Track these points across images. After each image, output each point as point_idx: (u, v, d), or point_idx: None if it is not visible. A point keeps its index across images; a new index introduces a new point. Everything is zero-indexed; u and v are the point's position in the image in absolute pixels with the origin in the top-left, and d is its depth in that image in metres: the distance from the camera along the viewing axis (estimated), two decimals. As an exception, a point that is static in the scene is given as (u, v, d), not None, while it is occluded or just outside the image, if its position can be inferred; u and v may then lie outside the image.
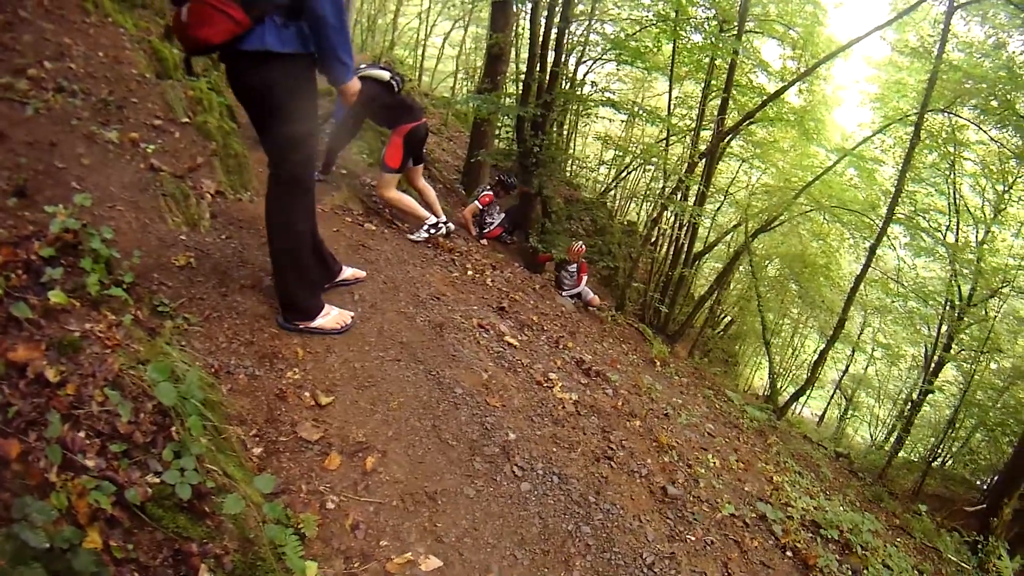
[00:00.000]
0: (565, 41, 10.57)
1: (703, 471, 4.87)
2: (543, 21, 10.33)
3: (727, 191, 20.32)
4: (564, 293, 9.57)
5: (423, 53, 26.82)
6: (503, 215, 10.04)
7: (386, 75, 6.42)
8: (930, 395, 15.51)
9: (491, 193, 9.48)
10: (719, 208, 20.52)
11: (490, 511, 3.19)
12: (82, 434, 2.07)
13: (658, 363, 8.50)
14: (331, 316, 3.84)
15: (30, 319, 2.40)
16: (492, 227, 9.77)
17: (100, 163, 4.29)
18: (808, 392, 15.22)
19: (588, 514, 3.54)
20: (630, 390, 5.83)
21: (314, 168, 3.68)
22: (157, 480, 2.10)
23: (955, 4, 12.05)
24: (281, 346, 3.52)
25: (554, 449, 3.90)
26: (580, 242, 10.12)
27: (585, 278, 9.99)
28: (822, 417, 26.68)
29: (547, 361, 5.20)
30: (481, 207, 9.51)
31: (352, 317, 3.98)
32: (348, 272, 4.49)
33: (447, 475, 3.24)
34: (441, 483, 3.17)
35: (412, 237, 6.53)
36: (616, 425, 4.75)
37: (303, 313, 3.69)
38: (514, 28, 12.34)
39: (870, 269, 14.41)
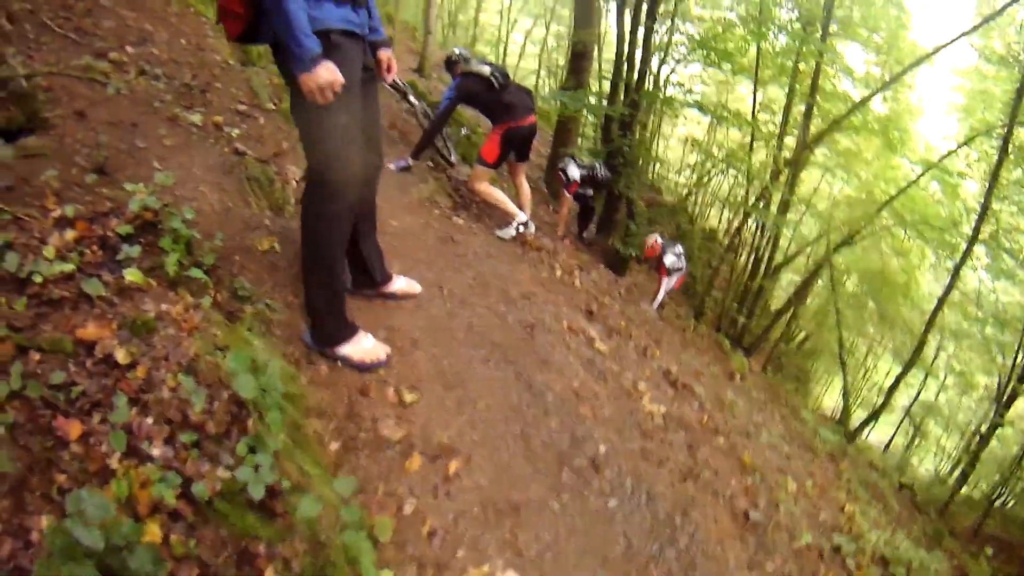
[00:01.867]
0: (651, 41, 10.32)
1: (783, 496, 4.62)
2: (629, 19, 10.13)
3: (809, 201, 19.83)
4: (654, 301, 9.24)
5: (505, 50, 26.92)
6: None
7: (487, 70, 6.31)
8: (999, 429, 14.74)
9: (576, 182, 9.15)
10: (801, 219, 20.00)
11: (574, 527, 2.97)
12: (150, 420, 1.95)
13: (737, 377, 8.23)
14: (362, 347, 3.28)
15: (102, 297, 2.30)
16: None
17: (183, 144, 4.23)
18: (879, 414, 14.68)
19: (673, 536, 3.30)
20: (714, 404, 5.59)
21: (348, 170, 3.06)
22: (228, 475, 1.95)
23: (1046, 7, 11.41)
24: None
25: (643, 465, 3.66)
26: (655, 236, 9.36)
27: (667, 280, 9.18)
28: (888, 444, 25.88)
29: (636, 370, 4.96)
30: (571, 195, 9.19)
31: (388, 354, 3.36)
32: (398, 285, 3.96)
33: (533, 485, 3.03)
34: (526, 493, 2.96)
35: (499, 234, 6.38)
36: (702, 441, 4.51)
37: (327, 337, 3.23)
38: (598, 26, 12.15)
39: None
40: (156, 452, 1.87)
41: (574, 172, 8.87)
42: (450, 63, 7.03)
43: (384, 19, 19.33)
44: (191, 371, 2.14)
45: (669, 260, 8.97)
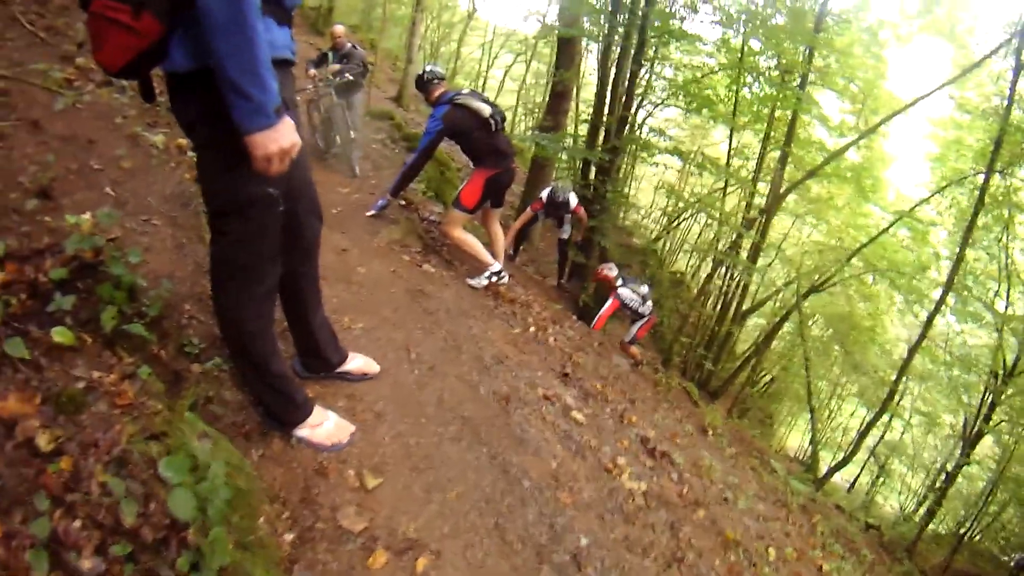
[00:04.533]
0: (635, 85, 10.31)
1: (766, 570, 4.46)
2: (613, 63, 10.10)
3: (779, 247, 20.01)
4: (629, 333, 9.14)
5: (484, 84, 27.03)
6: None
7: (487, 110, 5.88)
8: (965, 467, 15.03)
9: (540, 200, 9.10)
10: (770, 264, 20.17)
11: (557, 631, 2.75)
12: (78, 524, 1.67)
13: (710, 432, 8.12)
14: (322, 429, 2.88)
15: (27, 360, 2.00)
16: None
17: (141, 168, 3.98)
18: (846, 462, 14.78)
19: (662, 636, 3.13)
20: (692, 471, 5.40)
21: (267, 249, 2.45)
22: (170, 595, 1.68)
23: (1022, 62, 11.63)
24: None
25: (627, 555, 3.41)
26: (608, 265, 9.22)
27: (610, 304, 8.77)
28: (853, 483, 26.15)
29: (614, 442, 4.69)
30: (532, 212, 9.17)
31: (352, 433, 3.01)
32: (355, 364, 3.46)
33: (509, 586, 2.76)
34: (502, 596, 2.69)
35: (471, 282, 6.09)
36: (684, 518, 4.31)
37: (276, 421, 2.83)
38: (579, 67, 12.14)
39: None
40: (86, 565, 1.62)
41: (545, 191, 9.00)
42: (423, 82, 6.25)
43: (367, 46, 19.36)
44: (123, 464, 1.88)
45: (624, 293, 8.76)
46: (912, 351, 13.53)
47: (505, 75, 28.12)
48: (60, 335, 2.15)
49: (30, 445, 1.76)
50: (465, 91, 6.13)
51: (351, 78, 8.37)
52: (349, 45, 8.86)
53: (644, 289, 9.01)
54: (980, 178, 12.64)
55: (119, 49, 1.90)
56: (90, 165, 3.60)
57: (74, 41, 4.79)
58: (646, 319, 9.05)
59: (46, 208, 2.92)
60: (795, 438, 31.48)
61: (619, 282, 8.87)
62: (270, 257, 2.47)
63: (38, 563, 1.53)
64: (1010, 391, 14.14)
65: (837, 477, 20.30)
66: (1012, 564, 15.29)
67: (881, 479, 23.82)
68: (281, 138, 1.98)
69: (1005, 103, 12.10)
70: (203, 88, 1.96)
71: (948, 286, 12.84)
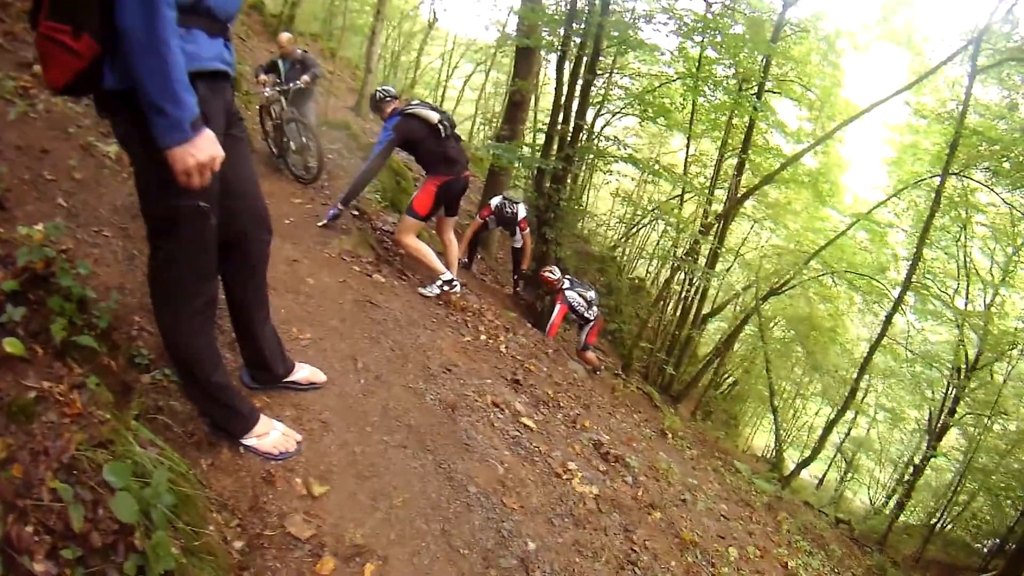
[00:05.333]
0: (590, 94, 10.37)
1: (725, 570, 4.49)
2: (568, 72, 10.16)
3: (737, 251, 20.22)
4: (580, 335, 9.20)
5: (443, 94, 27.05)
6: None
7: (435, 117, 6.03)
8: (932, 459, 15.31)
9: (489, 207, 9.17)
10: (729, 269, 20.37)
11: (506, 636, 2.77)
12: (30, 529, 1.71)
13: (670, 435, 8.15)
14: (268, 438, 2.91)
15: None
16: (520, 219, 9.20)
17: (93, 179, 3.99)
18: (812, 459, 14.94)
19: (614, 637, 3.14)
20: (648, 474, 5.43)
21: (201, 265, 2.46)
22: (117, 596, 1.70)
23: (977, 67, 11.91)
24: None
25: (576, 559, 3.44)
26: (550, 267, 9.34)
27: (558, 308, 8.88)
28: (822, 480, 26.49)
29: (565, 446, 4.72)
30: (482, 220, 9.19)
31: (299, 442, 3.03)
32: (302, 373, 3.47)
33: (457, 590, 2.78)
34: (450, 600, 2.70)
35: (423, 291, 6.09)
36: (638, 521, 4.33)
37: (222, 430, 2.84)
38: (537, 76, 12.19)
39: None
40: (38, 568, 1.65)
41: (495, 200, 9.03)
42: (376, 103, 6.54)
43: (327, 54, 19.27)
44: (71, 471, 1.91)
45: (571, 296, 8.85)
46: (872, 349, 13.76)
47: (464, 85, 28.20)
48: (11, 346, 2.18)
49: None
50: (415, 102, 6.25)
51: (301, 85, 8.33)
52: (300, 51, 8.82)
53: (590, 294, 9.11)
54: (936, 180, 12.88)
55: (61, 69, 1.95)
56: (43, 175, 3.60)
57: (33, 49, 4.76)
58: (592, 323, 9.15)
59: None
60: (761, 438, 31.75)
61: (565, 284, 8.96)
62: (204, 274, 2.48)
63: None
64: (973, 384, 14.53)
65: (805, 474, 20.60)
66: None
67: (849, 475, 24.09)
68: (199, 152, 2.00)
69: (960, 108, 12.37)
70: (131, 107, 1.99)
71: (906, 285, 13.11)
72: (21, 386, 2.10)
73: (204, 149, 2.02)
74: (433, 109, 6.15)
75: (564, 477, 4.22)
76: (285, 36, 9.00)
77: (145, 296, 3.12)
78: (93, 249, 3.42)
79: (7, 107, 4.02)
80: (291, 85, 8.27)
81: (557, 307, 8.73)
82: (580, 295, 8.92)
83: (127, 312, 3.16)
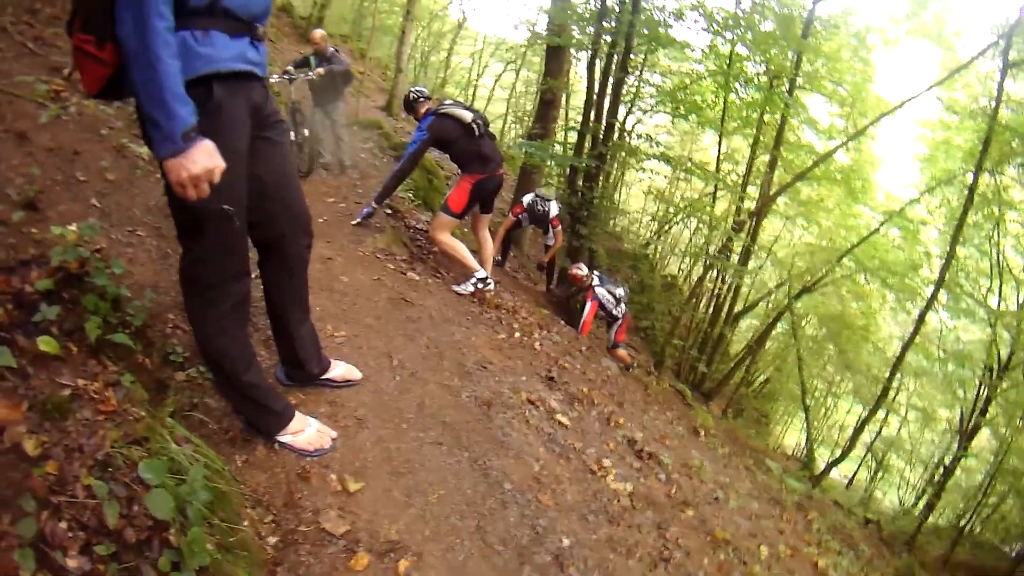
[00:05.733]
0: (621, 92, 10.37)
1: (757, 568, 4.46)
2: (599, 71, 10.16)
3: (770, 249, 20.06)
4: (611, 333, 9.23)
5: (474, 93, 27.06)
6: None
7: (468, 116, 6.07)
8: (963, 460, 15.11)
9: (521, 204, 9.22)
10: (761, 266, 20.24)
11: (538, 633, 2.74)
12: (63, 525, 1.72)
13: (702, 432, 8.14)
14: (304, 435, 2.93)
15: (14, 368, 2.05)
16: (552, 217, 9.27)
17: (126, 180, 4.04)
18: (843, 458, 14.81)
19: (647, 635, 3.15)
20: (681, 472, 5.42)
21: (226, 267, 2.50)
22: (152, 593, 1.72)
23: (1009, 61, 11.72)
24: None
25: (610, 556, 3.43)
26: (578, 264, 9.34)
27: (590, 305, 8.86)
28: (852, 479, 26.17)
29: (599, 444, 4.71)
30: (515, 218, 9.23)
31: (334, 439, 3.05)
32: (338, 371, 3.51)
33: (491, 587, 2.79)
34: (483, 597, 2.70)
35: (457, 289, 6.12)
36: (671, 519, 4.33)
37: (256, 428, 2.88)
38: (568, 75, 12.19)
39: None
40: (72, 564, 1.66)
41: (527, 198, 9.12)
42: (410, 103, 6.64)
43: (356, 55, 19.37)
44: (107, 468, 1.94)
45: (601, 293, 8.82)
46: (905, 348, 13.59)
47: (495, 84, 28.18)
48: (46, 344, 2.19)
49: (17, 450, 1.81)
50: (448, 102, 6.29)
51: (312, 76, 8.35)
52: (332, 50, 8.86)
53: (620, 292, 9.05)
54: (969, 177, 12.71)
55: (92, 76, 2.05)
56: (75, 177, 3.63)
57: (63, 52, 4.83)
58: (621, 320, 9.13)
59: (32, 220, 2.96)
60: (792, 437, 31.42)
61: (595, 280, 8.94)
62: (232, 276, 2.52)
63: (25, 562, 1.56)
64: (1005, 385, 14.29)
65: (835, 474, 20.41)
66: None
67: (879, 474, 23.84)
68: (192, 164, 1.99)
69: (993, 103, 12.20)
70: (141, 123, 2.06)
71: (939, 283, 12.92)
72: (56, 384, 2.12)
73: (198, 162, 2.00)
74: (466, 108, 6.19)
75: (598, 474, 4.22)
76: (318, 33, 9.04)
77: (179, 295, 3.16)
78: (127, 248, 3.47)
79: (39, 110, 4.08)
80: (299, 74, 8.29)
81: (588, 304, 8.70)
82: (609, 291, 8.89)
83: (161, 310, 3.20)
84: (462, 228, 7.41)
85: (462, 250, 6.24)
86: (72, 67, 2.41)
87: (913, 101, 11.61)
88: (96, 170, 3.84)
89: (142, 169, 4.23)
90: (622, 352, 9.15)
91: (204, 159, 2.01)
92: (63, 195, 3.38)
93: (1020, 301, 15.23)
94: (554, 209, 9.07)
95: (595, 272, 9.19)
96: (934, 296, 13.12)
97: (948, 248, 13.02)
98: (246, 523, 2.37)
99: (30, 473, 1.77)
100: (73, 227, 2.87)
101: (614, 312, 8.98)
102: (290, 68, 8.53)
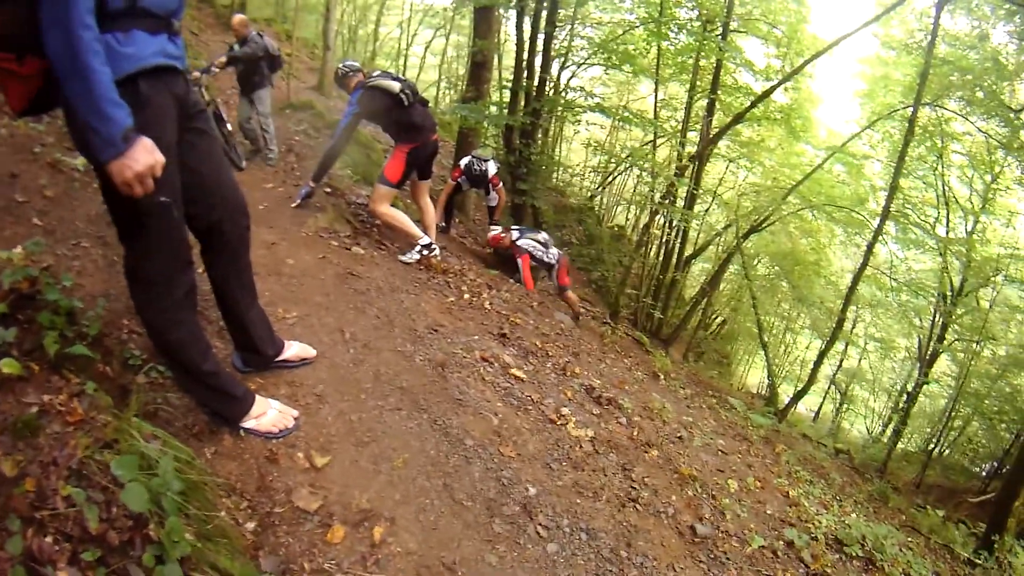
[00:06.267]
0: (552, 47, 10.31)
1: (726, 501, 4.55)
2: (528, 27, 10.09)
3: (715, 192, 20.25)
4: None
5: (405, 63, 26.81)
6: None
7: (396, 86, 6.06)
8: (925, 386, 15.51)
9: (459, 168, 9.14)
10: (707, 210, 20.42)
11: (516, 579, 2.82)
12: (49, 539, 1.76)
13: (662, 376, 8.20)
14: (266, 418, 2.97)
15: None
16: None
17: (64, 194, 4.06)
18: (806, 391, 15.11)
19: (621, 571, 3.16)
20: (642, 415, 5.50)
21: (170, 261, 2.50)
22: (141, 589, 1.77)
23: (944, -1, 11.87)
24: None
25: (578, 500, 3.53)
26: (496, 228, 9.20)
27: (521, 261, 8.76)
28: (818, 412, 26.79)
29: (557, 393, 4.82)
30: (454, 182, 9.14)
31: (296, 418, 3.11)
32: (292, 351, 3.54)
33: (465, 541, 2.87)
34: (459, 551, 2.80)
35: (403, 258, 6.12)
36: (635, 460, 4.40)
37: (219, 417, 2.90)
38: (498, 35, 12.09)
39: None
40: (62, 575, 1.70)
41: (464, 160, 9.06)
42: (340, 78, 6.62)
43: (282, 37, 19.02)
44: (81, 476, 1.98)
45: (526, 244, 8.77)
46: (856, 279, 13.79)
47: (426, 51, 27.96)
48: (8, 366, 2.22)
49: None
50: (376, 73, 6.30)
51: (216, 69, 8.24)
52: (253, 33, 8.69)
53: (542, 236, 9.03)
54: (909, 111, 12.88)
55: (16, 94, 2.11)
56: (15, 199, 3.66)
57: None
58: (557, 264, 9.09)
59: None
60: (754, 376, 31.96)
61: (514, 235, 8.90)
62: (178, 266, 2.54)
63: None
64: (960, 311, 14.67)
65: (801, 408, 20.84)
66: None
67: (844, 406, 24.35)
68: (135, 163, 2.04)
69: (929, 38, 12.33)
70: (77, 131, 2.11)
71: (884, 214, 13.13)
72: (22, 404, 2.16)
73: (140, 159, 2.05)
74: (394, 79, 6.18)
75: (558, 423, 4.28)
76: (238, 18, 8.89)
77: (130, 299, 3.16)
78: (74, 261, 3.51)
79: None
80: (207, 73, 8.22)
81: (519, 261, 8.67)
82: (532, 239, 8.84)
83: (115, 317, 3.23)
84: (403, 199, 7.33)
85: (403, 219, 6.25)
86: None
87: (849, 39, 11.69)
88: (35, 189, 3.88)
89: (79, 181, 4.27)
90: (572, 295, 9.16)
91: (145, 156, 2.06)
92: (5, 219, 3.43)
93: (968, 230, 15.54)
94: (492, 168, 8.98)
95: (513, 228, 9.12)
96: (880, 227, 13.33)
97: (892, 180, 13.21)
98: (222, 512, 2.42)
99: (11, 493, 1.82)
100: (19, 249, 2.91)
101: (546, 259, 8.89)
102: (196, 74, 8.44)
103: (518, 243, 8.76)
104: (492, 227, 9.25)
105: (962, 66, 12.63)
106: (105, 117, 1.95)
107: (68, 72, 1.91)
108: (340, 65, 6.63)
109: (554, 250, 9.05)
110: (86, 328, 2.86)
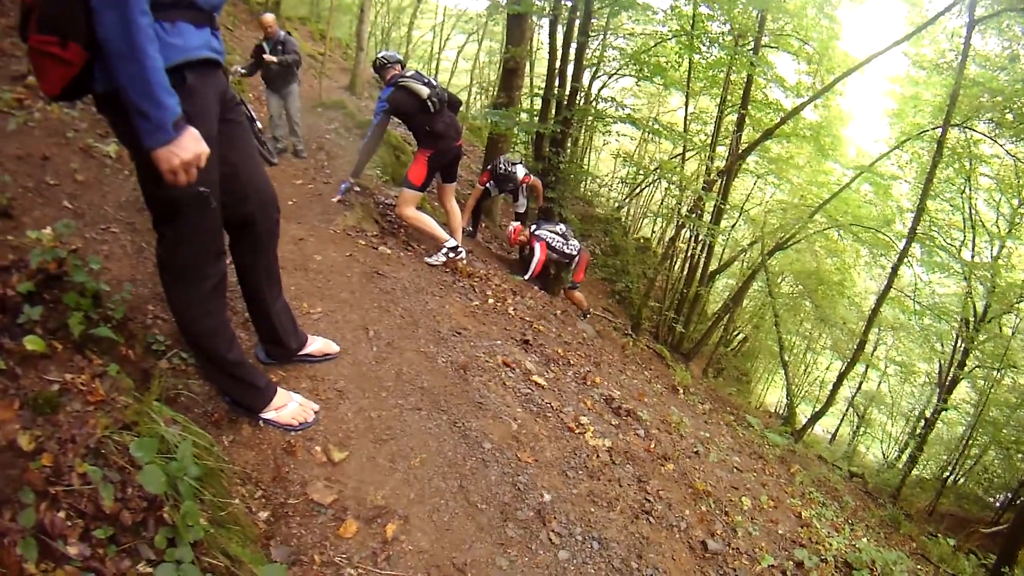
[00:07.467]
0: (584, 57, 10.33)
1: (739, 518, 4.53)
2: (561, 36, 10.11)
3: (742, 208, 20.14)
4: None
5: (437, 66, 26.89)
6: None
7: (425, 92, 6.02)
8: (943, 412, 15.34)
9: (488, 171, 9.02)
10: (734, 225, 20.33)
11: (525, 585, 2.81)
12: (62, 514, 1.77)
13: (681, 390, 8.20)
14: (287, 410, 3.01)
15: (3, 370, 2.12)
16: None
17: (95, 179, 4.07)
18: (824, 412, 14.98)
19: (631, 583, 3.19)
20: (660, 427, 5.49)
21: (203, 251, 2.54)
22: (150, 570, 1.79)
23: (975, 18, 11.76)
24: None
25: (592, 509, 3.52)
26: (514, 223, 9.10)
27: (538, 253, 8.58)
28: (834, 434, 26.54)
29: (576, 402, 4.82)
30: (482, 187, 9.03)
31: (316, 411, 3.13)
32: (316, 346, 3.59)
33: (477, 544, 2.86)
34: (471, 553, 2.79)
35: (429, 260, 6.14)
36: (651, 472, 4.39)
37: (241, 406, 2.94)
38: (530, 42, 12.12)
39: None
40: (73, 551, 1.70)
41: (493, 164, 8.97)
42: (378, 68, 6.61)
43: (316, 36, 19.16)
44: (99, 455, 1.99)
45: (543, 234, 8.63)
46: (880, 301, 13.67)
47: (458, 56, 28.09)
48: (32, 343, 2.25)
49: (13, 447, 1.86)
50: (409, 72, 6.26)
51: (243, 71, 8.45)
52: (283, 33, 8.83)
53: (560, 227, 8.94)
54: (938, 132, 12.77)
55: (54, 77, 2.06)
56: (46, 181, 3.67)
57: (22, 61, 4.81)
58: (577, 259, 8.97)
59: (7, 227, 3.00)
60: (773, 395, 31.76)
61: (533, 227, 8.82)
62: (210, 256, 2.59)
63: (28, 553, 1.61)
64: (982, 337, 14.45)
65: (818, 429, 20.64)
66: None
67: (862, 429, 24.10)
68: (183, 151, 2.06)
69: (959, 58, 12.23)
70: (120, 107, 2.05)
71: (911, 236, 12.99)
72: (44, 380, 2.17)
73: (188, 148, 2.07)
74: (426, 83, 6.14)
75: (577, 431, 4.28)
76: (267, 17, 9.02)
77: (157, 286, 3.22)
78: (102, 246, 3.52)
79: (5, 120, 4.10)
80: (238, 72, 8.41)
81: (536, 248, 8.52)
82: (550, 230, 8.77)
83: (141, 302, 3.25)
84: (430, 202, 7.37)
85: (430, 222, 6.26)
86: (28, 71, 2.42)
87: (880, 57, 11.60)
88: (66, 173, 3.88)
89: (110, 167, 4.27)
90: (578, 295, 9.12)
91: (193, 145, 2.09)
92: (35, 201, 3.42)
93: (993, 254, 15.36)
94: (520, 172, 8.93)
95: (529, 222, 9.09)
96: (906, 249, 13.20)
97: (919, 201, 13.09)
98: (237, 500, 2.44)
99: (27, 467, 1.82)
100: (48, 230, 2.92)
101: (566, 249, 8.77)
102: (241, 69, 8.60)
103: (537, 233, 8.70)
104: (509, 226, 9.16)
105: (992, 87, 12.44)
106: (158, 103, 1.96)
107: (122, 55, 1.90)
108: (380, 55, 6.64)
109: (574, 241, 8.94)
110: (111, 311, 2.89)
